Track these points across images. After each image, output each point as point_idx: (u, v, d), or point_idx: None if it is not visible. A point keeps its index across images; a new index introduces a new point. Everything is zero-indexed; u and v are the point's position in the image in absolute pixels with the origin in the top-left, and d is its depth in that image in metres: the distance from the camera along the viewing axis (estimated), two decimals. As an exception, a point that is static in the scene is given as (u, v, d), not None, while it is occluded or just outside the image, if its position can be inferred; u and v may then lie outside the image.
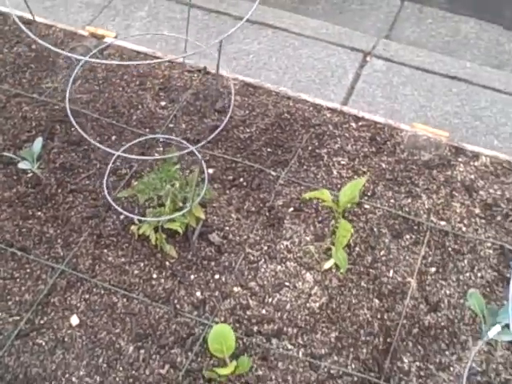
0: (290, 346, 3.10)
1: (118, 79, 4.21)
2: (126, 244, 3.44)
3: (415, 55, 4.73)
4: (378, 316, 3.21)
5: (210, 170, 3.76)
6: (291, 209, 3.60)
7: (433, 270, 3.38)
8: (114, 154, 3.37)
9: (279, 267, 3.37)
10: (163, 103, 4.08)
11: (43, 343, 3.09)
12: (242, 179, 3.72)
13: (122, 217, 3.49)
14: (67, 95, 3.23)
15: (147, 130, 3.93)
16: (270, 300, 3.25)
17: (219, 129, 2.61)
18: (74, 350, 3.07)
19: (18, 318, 3.14)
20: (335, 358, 3.06)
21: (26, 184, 3.67)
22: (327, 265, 3.30)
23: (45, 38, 4.45)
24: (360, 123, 4.03)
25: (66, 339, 3.10)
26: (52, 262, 3.35)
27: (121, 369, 3.03)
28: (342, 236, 2.95)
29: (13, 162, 3.71)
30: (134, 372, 3.02)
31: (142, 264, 3.37)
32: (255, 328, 3.15)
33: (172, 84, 4.21)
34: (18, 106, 4.03)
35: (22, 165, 3.60)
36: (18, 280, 3.30)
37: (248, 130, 3.96)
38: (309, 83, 4.47)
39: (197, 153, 3.22)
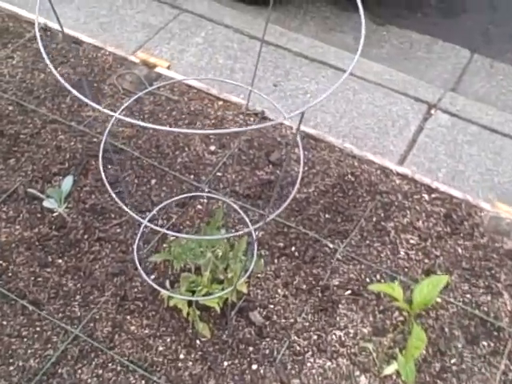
0: None
1: (165, 115, 3.76)
2: (152, 312, 2.95)
3: (484, 113, 4.23)
4: None
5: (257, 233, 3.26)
6: (348, 291, 3.07)
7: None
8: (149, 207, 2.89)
9: (329, 363, 2.83)
10: (213, 148, 3.61)
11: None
12: (293, 248, 3.21)
13: (152, 276, 3.00)
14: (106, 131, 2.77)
15: (192, 176, 3.46)
16: (315, 404, 2.72)
17: (287, 201, 2.10)
18: None
19: (17, 390, 2.67)
20: None
21: (50, 225, 3.22)
22: (388, 370, 2.76)
23: (92, 61, 4.04)
24: (433, 195, 3.50)
25: (69, 422, 2.61)
26: (66, 324, 2.88)
27: None
28: (415, 347, 2.41)
29: (39, 198, 3.26)
30: None
31: (168, 339, 2.87)
32: None
33: (225, 127, 3.73)
34: (54, 134, 3.61)
35: (46, 203, 3.16)
36: (25, 340, 2.84)
37: (305, 190, 3.46)
38: (367, 131, 3.98)
39: (254, 234, 2.73)
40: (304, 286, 3.08)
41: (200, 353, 2.84)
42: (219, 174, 3.50)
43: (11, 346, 2.82)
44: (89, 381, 2.73)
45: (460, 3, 4.24)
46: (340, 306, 3.02)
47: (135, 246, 2.81)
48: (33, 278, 3.02)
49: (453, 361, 2.88)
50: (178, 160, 3.54)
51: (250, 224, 2.84)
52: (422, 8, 4.19)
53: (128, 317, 2.93)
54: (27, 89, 3.83)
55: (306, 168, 3.57)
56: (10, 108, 3.71)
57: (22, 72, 3.93)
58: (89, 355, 2.81)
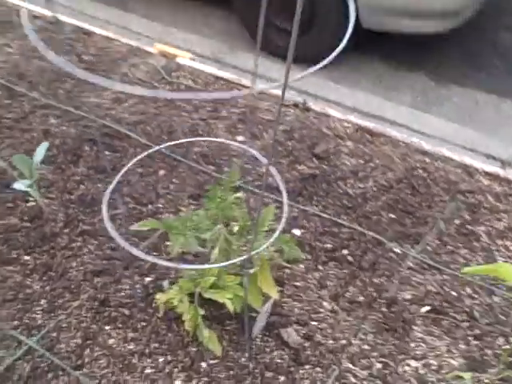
0: None
1: (184, 103, 3.01)
2: (142, 322, 2.05)
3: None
4: None
5: (298, 232, 2.39)
6: (426, 308, 2.12)
7: None
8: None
9: (400, 405, 1.85)
10: (240, 138, 2.81)
11: None
12: (346, 251, 2.31)
13: (147, 279, 2.13)
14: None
15: (211, 167, 2.65)
16: None
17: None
18: None
19: None
20: None
21: (22, 215, 2.42)
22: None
23: (102, 51, 3.39)
24: (533, 198, 2.58)
25: None
26: (20, 333, 1.99)
27: None
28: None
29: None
30: None
31: (161, 359, 1.95)
32: None
33: (257, 116, 2.96)
34: (43, 119, 2.88)
35: (17, 185, 2.35)
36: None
37: (361, 186, 2.60)
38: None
39: (274, 171, 1.89)
40: (361, 299, 2.15)
41: (206, 379, 1.89)
42: (248, 166, 2.69)
43: None
44: (38, 414, 1.81)
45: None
46: (414, 327, 2.07)
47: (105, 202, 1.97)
48: (-13, 277, 2.18)
49: None
50: (195, 149, 2.75)
51: (279, 180, 1.98)
52: (486, 68, 3.60)
53: (107, 327, 2.04)
54: (20, 74, 3.17)
55: (362, 161, 2.73)
56: (-2, 93, 3.05)
57: (17, 59, 3.30)
58: (44, 375, 1.91)
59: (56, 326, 2.04)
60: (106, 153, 2.70)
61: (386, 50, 3.78)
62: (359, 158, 2.74)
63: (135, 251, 1.60)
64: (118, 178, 1.81)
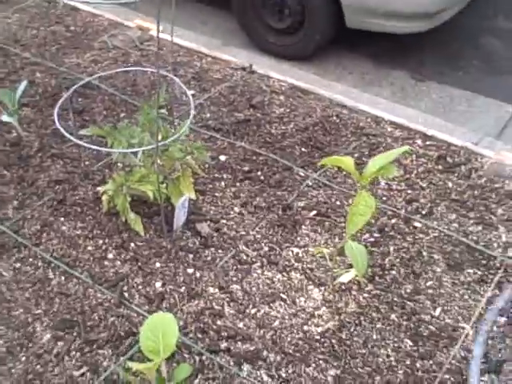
0: (265, 378, 2.08)
1: (149, 64, 3.61)
2: (90, 216, 2.64)
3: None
4: (407, 362, 2.14)
5: (222, 157, 2.97)
6: (314, 212, 2.68)
7: (502, 320, 2.28)
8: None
9: (279, 276, 2.41)
10: (192, 92, 3.40)
11: None
12: (259, 173, 2.88)
13: (98, 189, 2.71)
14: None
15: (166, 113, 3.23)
16: (254, 311, 2.28)
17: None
18: (-27, 323, 2.22)
19: None
20: (329, 405, 2.00)
21: (5, 142, 3.02)
22: (343, 278, 2.31)
23: (86, 24, 4.01)
24: (428, 142, 3.12)
25: (-31, 310, 2.27)
26: (-8, 219, 2.60)
27: (23, 359, 2.13)
28: (359, 214, 2.01)
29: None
30: (38, 367, 2.10)
31: (100, 241, 2.54)
32: (223, 344, 2.18)
33: (208, 75, 3.55)
34: (30, 73, 3.51)
35: (3, 117, 2.97)
36: None
37: (283, 128, 3.17)
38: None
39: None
40: (263, 205, 2.72)
41: (132, 254, 2.49)
42: (193, 112, 3.27)
43: None
44: (4, 273, 2.41)
45: (504, 64, 3.97)
46: (303, 226, 2.64)
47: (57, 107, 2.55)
48: (-28, 185, 2.79)
49: (428, 283, 2.41)
50: (152, 99, 3.34)
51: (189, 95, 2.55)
52: (464, 67, 3.98)
53: (61, 219, 2.64)
54: (16, 39, 3.80)
55: (288, 110, 3.30)
56: (-6, 54, 3.68)
57: (15, 28, 3.93)
58: (10, 250, 2.50)
59: (22, 218, 2.64)
60: (79, 99, 3.31)
61: (372, 48, 4.12)
62: (287, 108, 3.31)
63: (73, 138, 2.20)
64: (66, 95, 2.41)
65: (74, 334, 2.20)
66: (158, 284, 2.36)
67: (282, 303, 2.31)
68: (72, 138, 2.39)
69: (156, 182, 2.34)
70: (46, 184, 2.79)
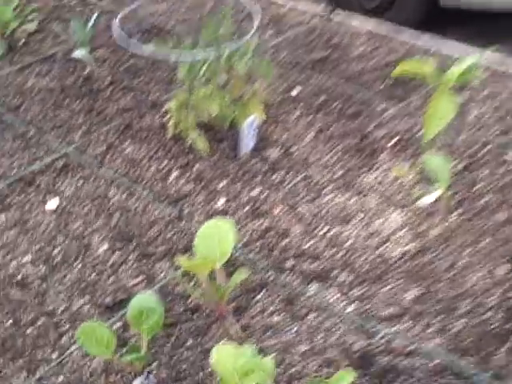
0: (336, 297, 1.87)
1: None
2: (155, 140, 2.53)
3: None
4: (504, 287, 1.87)
5: (295, 92, 2.78)
6: (394, 140, 2.45)
7: None
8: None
9: (354, 199, 2.21)
10: (268, 33, 3.25)
11: (2, 219, 2.21)
12: (335, 103, 2.68)
13: (165, 119, 2.60)
14: None
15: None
16: (324, 232, 2.08)
17: None
18: (34, 233, 2.14)
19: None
20: (405, 326, 1.76)
21: (77, 78, 2.98)
22: (427, 199, 2.07)
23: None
24: (525, 81, 2.82)
25: (30, 222, 2.20)
26: (59, 145, 2.53)
27: (78, 267, 2.02)
28: (439, 118, 1.77)
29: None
30: (93, 275, 1.99)
31: (164, 162, 2.42)
32: (290, 262, 1.98)
33: (285, 21, 3.39)
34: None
35: (76, 53, 2.93)
36: (10, 149, 2.52)
37: (362, 65, 2.97)
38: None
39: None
40: (338, 132, 2.52)
41: (195, 174, 2.35)
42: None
43: (-1, 162, 2.51)
44: (64, 190, 2.34)
45: None
46: (381, 154, 2.41)
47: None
48: (42, 114, 2.75)
49: (524, 210, 2.12)
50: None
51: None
52: None
53: (126, 142, 2.54)
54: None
55: (369, 49, 3.09)
56: None
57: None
58: (74, 169, 2.43)
59: (87, 140, 2.56)
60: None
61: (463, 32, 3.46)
62: (367, 47, 3.11)
63: (133, 41, 2.08)
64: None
65: (131, 246, 2.08)
66: (221, 201, 2.21)
67: (356, 224, 2.10)
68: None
69: (220, 98, 2.19)
70: (115, 111, 2.72)
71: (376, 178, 2.28)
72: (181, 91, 2.35)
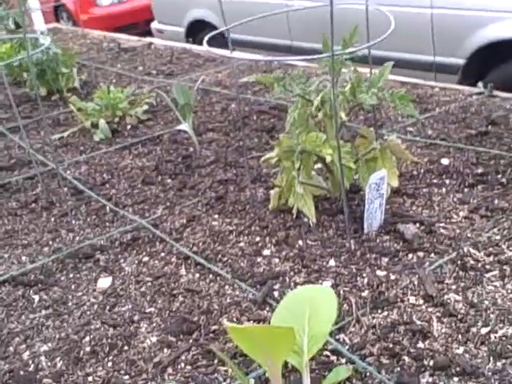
0: None
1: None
2: (251, 214, 1.95)
3: None
4: None
5: (446, 161, 2.10)
6: None
7: None
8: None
9: (532, 289, 1.41)
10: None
11: (38, 298, 1.67)
12: (500, 175, 1.96)
13: (260, 192, 2.02)
14: None
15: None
16: (484, 333, 1.29)
17: None
18: (68, 316, 1.58)
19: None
20: None
21: (177, 156, 2.54)
22: None
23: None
24: None
25: (69, 303, 1.65)
26: (148, 218, 2.03)
27: (108, 365, 1.39)
28: None
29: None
30: (127, 379, 1.34)
31: (258, 238, 1.82)
32: (428, 379, 1.21)
33: (432, 99, 2.78)
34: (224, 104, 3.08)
35: (181, 126, 2.53)
36: (75, 226, 2.04)
37: (537, 136, 2.22)
38: None
39: None
40: (506, 205, 1.76)
41: (296, 251, 1.69)
42: (410, 129, 2.50)
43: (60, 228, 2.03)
44: (126, 268, 1.77)
45: None
46: None
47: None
48: (127, 191, 2.29)
49: None
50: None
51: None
52: None
53: (215, 215, 1.96)
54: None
55: (544, 121, 2.36)
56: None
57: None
58: (143, 244, 1.87)
59: (168, 214, 2.02)
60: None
61: None
62: (541, 120, 2.37)
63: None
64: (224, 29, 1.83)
65: (190, 341, 1.41)
66: (327, 283, 1.50)
67: (540, 327, 1.28)
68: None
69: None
70: (209, 185, 2.17)
71: None
72: (286, 138, 1.76)
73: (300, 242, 1.72)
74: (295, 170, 1.69)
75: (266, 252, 1.71)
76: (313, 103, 1.70)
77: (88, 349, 1.44)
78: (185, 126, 2.52)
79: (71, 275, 1.79)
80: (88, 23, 7.21)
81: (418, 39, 3.60)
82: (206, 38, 1.68)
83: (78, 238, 1.98)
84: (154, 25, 5.87)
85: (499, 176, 1.95)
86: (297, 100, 1.76)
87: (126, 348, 1.43)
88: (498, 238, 1.61)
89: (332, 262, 1.60)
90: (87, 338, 1.48)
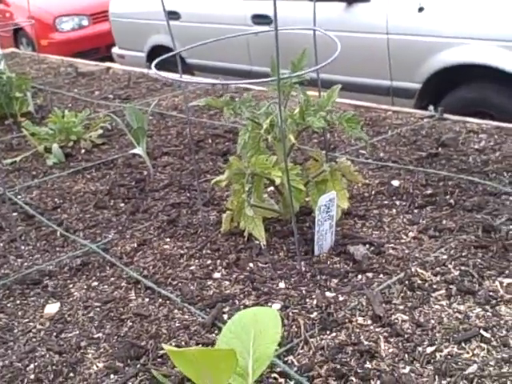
0: None
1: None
2: (203, 237, 1.94)
3: None
4: None
5: (396, 182, 2.13)
6: (536, 237, 1.69)
7: None
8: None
9: (478, 310, 1.43)
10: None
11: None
12: (448, 196, 1.99)
13: (224, 215, 2.02)
14: None
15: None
16: (430, 352, 1.30)
17: None
18: (13, 343, 1.54)
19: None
20: None
21: (131, 180, 2.52)
22: None
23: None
24: None
25: (15, 330, 1.61)
26: (84, 240, 2.00)
27: (55, 392, 1.35)
28: None
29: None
30: (72, 404, 1.30)
31: (209, 261, 1.81)
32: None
33: (385, 122, 2.83)
34: (179, 128, 3.08)
35: (135, 150, 2.52)
36: (28, 246, 2.00)
37: (484, 157, 2.28)
38: None
39: None
40: (453, 226, 1.79)
41: (247, 274, 1.68)
42: (357, 147, 2.53)
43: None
44: (75, 293, 1.74)
45: None
46: (518, 254, 1.65)
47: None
48: (79, 215, 2.26)
49: None
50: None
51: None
52: None
53: (166, 239, 1.95)
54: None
55: (491, 143, 2.42)
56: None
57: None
58: (93, 269, 1.84)
59: (120, 237, 2.00)
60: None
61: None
62: (489, 143, 2.43)
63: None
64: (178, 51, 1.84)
65: (138, 365, 1.38)
66: (277, 306, 1.50)
67: (483, 345, 1.30)
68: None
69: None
70: (162, 208, 2.16)
71: (510, 285, 1.50)
72: (236, 160, 1.76)
73: (251, 265, 1.72)
74: (245, 193, 1.68)
75: (217, 275, 1.70)
76: (262, 125, 1.71)
77: (32, 376, 1.41)
78: (138, 150, 2.51)
79: (18, 302, 1.74)
80: (48, 48, 7.16)
81: (376, 64, 3.67)
82: (155, 62, 1.68)
83: (26, 264, 1.94)
84: (115, 50, 5.87)
85: (447, 197, 1.98)
86: (247, 123, 1.77)
87: (71, 375, 1.40)
88: (445, 257, 1.63)
89: (282, 285, 1.60)
90: (31, 366, 1.44)
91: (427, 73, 3.42)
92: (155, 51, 5.20)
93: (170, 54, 1.79)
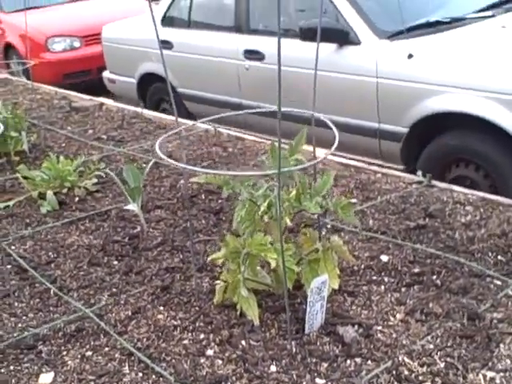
0: None
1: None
2: (196, 308, 1.99)
3: None
4: None
5: (385, 257, 2.20)
6: (517, 328, 1.76)
7: None
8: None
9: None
10: (353, 200, 2.76)
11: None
12: (435, 276, 2.06)
13: (217, 282, 2.07)
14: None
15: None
16: None
17: None
18: None
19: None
20: None
21: (124, 236, 2.56)
22: None
23: (246, 148, 3.67)
24: None
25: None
26: (81, 304, 2.03)
27: None
28: None
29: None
30: None
31: (202, 335, 1.85)
32: None
33: (374, 186, 2.91)
34: (173, 179, 3.14)
35: (129, 206, 2.56)
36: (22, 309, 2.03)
37: (470, 233, 2.36)
38: None
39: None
40: (439, 311, 1.86)
41: (239, 353, 1.73)
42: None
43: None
44: (68, 362, 1.77)
45: None
46: (501, 345, 1.71)
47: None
48: (72, 272, 2.30)
49: None
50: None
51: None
52: None
53: (160, 307, 1.99)
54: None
55: (477, 218, 2.50)
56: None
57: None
58: (87, 336, 1.88)
59: (114, 302, 2.04)
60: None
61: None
62: (476, 217, 2.51)
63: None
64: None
65: None
66: (271, 392, 1.55)
67: None
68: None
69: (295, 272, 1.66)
70: (155, 272, 2.20)
71: (493, 379, 1.56)
72: (232, 239, 1.81)
73: (243, 342, 1.77)
74: (241, 274, 1.74)
75: (210, 352, 1.75)
76: (259, 206, 1.77)
77: None
78: (133, 206, 2.55)
79: (12, 367, 1.77)
80: (39, 67, 7.16)
81: (364, 106, 3.72)
82: (160, 140, 1.74)
83: (20, 325, 1.97)
84: (106, 74, 5.89)
85: (434, 277, 2.05)
86: (244, 200, 1.83)
87: None
88: (431, 347, 1.69)
89: (273, 368, 1.65)
90: None
91: (414, 118, 3.48)
92: (146, 78, 5.25)
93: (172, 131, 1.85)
